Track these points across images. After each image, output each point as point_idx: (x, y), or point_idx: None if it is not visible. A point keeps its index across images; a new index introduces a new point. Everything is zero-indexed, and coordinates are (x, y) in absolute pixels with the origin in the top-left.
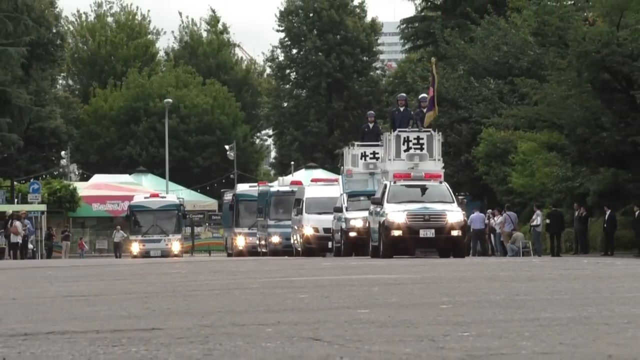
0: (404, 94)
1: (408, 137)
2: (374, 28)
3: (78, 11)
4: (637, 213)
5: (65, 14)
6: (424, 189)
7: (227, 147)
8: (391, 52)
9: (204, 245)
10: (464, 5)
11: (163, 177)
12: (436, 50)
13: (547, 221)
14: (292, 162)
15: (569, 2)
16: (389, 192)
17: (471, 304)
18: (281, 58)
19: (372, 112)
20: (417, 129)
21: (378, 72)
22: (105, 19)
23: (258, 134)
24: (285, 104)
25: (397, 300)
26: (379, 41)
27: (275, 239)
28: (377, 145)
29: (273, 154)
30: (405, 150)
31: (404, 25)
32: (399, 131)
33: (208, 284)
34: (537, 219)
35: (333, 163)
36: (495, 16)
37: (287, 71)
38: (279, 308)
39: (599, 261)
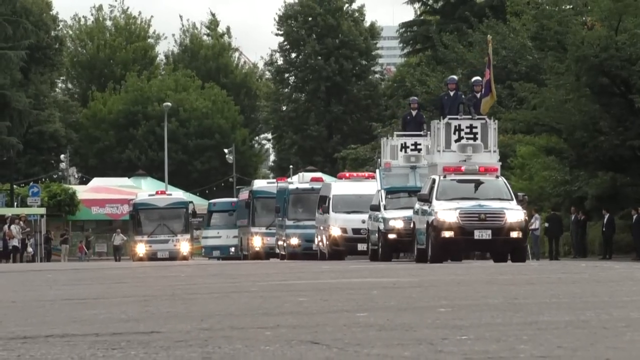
0: (454, 77)
1: (459, 125)
2: (373, 32)
3: (76, 15)
4: (635, 217)
5: (64, 17)
6: (478, 184)
7: (226, 150)
8: (390, 56)
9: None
10: (463, 9)
11: (162, 180)
12: (434, 55)
13: (546, 225)
14: (291, 166)
15: (568, 7)
16: (438, 187)
17: (469, 308)
18: (280, 62)
19: (414, 97)
20: (469, 116)
21: (377, 76)
22: (104, 23)
23: (257, 138)
24: (285, 108)
25: (395, 304)
26: (378, 45)
27: (294, 241)
28: (420, 136)
29: (272, 157)
30: (456, 141)
31: (403, 29)
32: (449, 119)
33: (207, 287)
34: (536, 223)
35: (332, 167)
36: (494, 20)
37: (286, 75)
38: (278, 311)
39: (597, 265)
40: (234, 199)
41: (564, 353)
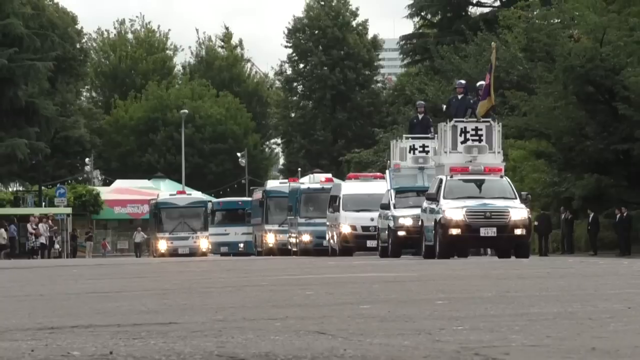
0: (463, 81)
1: (465, 127)
2: (375, 44)
3: (99, 28)
4: (618, 216)
5: (88, 31)
6: (483, 183)
7: (239, 154)
8: (391, 66)
9: None
10: (459, 23)
11: (179, 182)
12: (432, 65)
13: (536, 223)
14: (299, 169)
15: (556, 21)
16: (445, 187)
17: (465, 300)
18: (289, 72)
19: (422, 102)
20: (474, 119)
21: (379, 85)
22: (126, 36)
23: (267, 143)
24: (293, 115)
25: (396, 297)
26: (379, 56)
27: (306, 238)
28: (427, 138)
29: (281, 160)
30: (462, 142)
31: (403, 42)
32: (456, 121)
33: (221, 282)
34: None
35: (337, 169)
36: (488, 33)
37: (295, 84)
38: (287, 304)
39: (583, 260)
40: (240, 199)
41: (553, 342)
